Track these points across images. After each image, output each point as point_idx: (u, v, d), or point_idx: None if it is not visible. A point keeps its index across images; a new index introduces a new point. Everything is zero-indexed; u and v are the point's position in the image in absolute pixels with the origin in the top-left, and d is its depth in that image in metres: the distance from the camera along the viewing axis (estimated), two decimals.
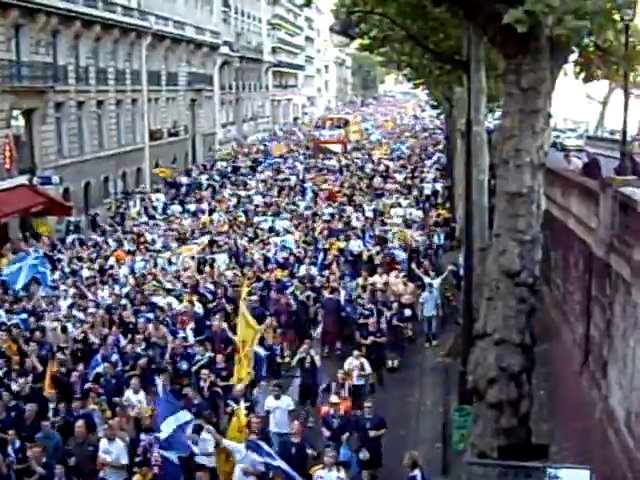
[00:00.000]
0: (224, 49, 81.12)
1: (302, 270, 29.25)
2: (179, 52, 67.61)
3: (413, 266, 29.00)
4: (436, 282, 26.92)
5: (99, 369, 20.13)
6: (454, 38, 22.87)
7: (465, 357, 15.96)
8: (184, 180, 56.77)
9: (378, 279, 27.52)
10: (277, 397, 18.59)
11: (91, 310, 24.44)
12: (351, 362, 20.62)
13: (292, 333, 25.13)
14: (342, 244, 33.03)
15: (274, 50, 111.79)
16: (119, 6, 54.17)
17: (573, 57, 20.67)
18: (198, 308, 24.98)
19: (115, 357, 20.78)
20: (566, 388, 18.61)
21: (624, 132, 28.55)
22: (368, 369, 20.75)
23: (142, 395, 18.68)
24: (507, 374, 12.50)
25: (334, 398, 18.24)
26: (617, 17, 19.18)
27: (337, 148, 73.71)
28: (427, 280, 26.94)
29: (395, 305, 25.14)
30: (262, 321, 22.83)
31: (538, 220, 12.27)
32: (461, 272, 24.15)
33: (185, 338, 22.43)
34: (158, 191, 52.35)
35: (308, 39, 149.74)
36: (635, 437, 12.44)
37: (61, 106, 46.50)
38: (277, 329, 24.19)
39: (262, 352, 21.44)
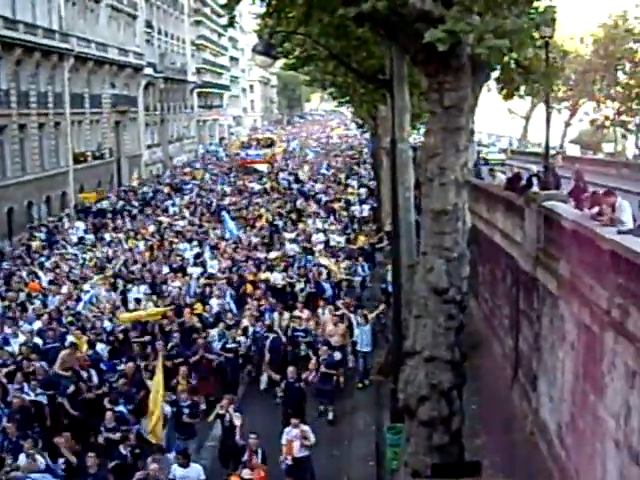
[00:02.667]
0: (148, 70, 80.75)
1: (214, 304, 27.26)
2: (102, 74, 67.10)
3: (339, 303, 26.68)
4: (371, 317, 25.09)
5: None
6: (377, 57, 22.94)
7: (396, 375, 15.95)
8: (105, 206, 53.77)
9: (300, 314, 25.26)
10: (183, 465, 16.15)
11: None
12: (290, 431, 17.55)
13: (212, 383, 22.67)
14: (263, 275, 30.91)
15: (199, 71, 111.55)
16: (40, 28, 53.60)
17: (495, 74, 20.99)
18: (102, 349, 23.10)
19: None
20: (497, 402, 18.72)
21: (547, 146, 29.01)
22: (312, 438, 17.59)
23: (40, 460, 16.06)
24: (438, 391, 12.51)
25: (246, 473, 15.84)
26: (536, 35, 19.52)
27: (263, 168, 73.59)
28: (356, 321, 24.68)
29: (324, 348, 22.71)
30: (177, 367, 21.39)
31: (464, 237, 12.34)
32: (390, 289, 24.01)
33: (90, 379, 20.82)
34: (79, 219, 49.34)
35: (233, 59, 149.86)
36: (566, 448, 12.55)
37: None
38: (190, 379, 21.62)
39: (167, 408, 18.93)
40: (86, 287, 29.61)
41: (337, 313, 25.38)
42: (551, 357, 14.28)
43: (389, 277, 24.53)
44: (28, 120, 52.35)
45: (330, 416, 21.99)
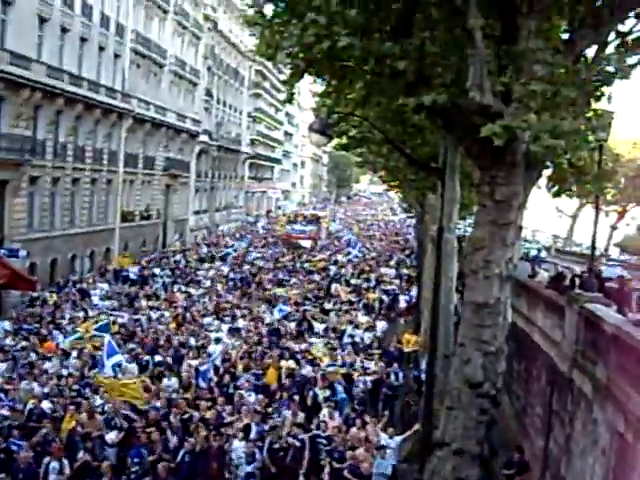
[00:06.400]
0: (203, 137, 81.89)
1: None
2: (158, 136, 68.13)
3: (369, 422, 21.62)
4: (394, 442, 20.54)
5: None
6: (431, 145, 23.15)
7: (422, 465, 15.76)
8: (133, 272, 51.53)
9: (328, 420, 21.61)
10: None
11: None
12: None
13: None
14: (285, 363, 27.34)
15: (252, 142, 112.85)
16: (103, 87, 54.79)
17: (547, 172, 21.03)
18: (112, 439, 20.00)
19: None
20: None
21: (592, 248, 28.72)
22: None
23: None
24: None
25: None
26: (591, 137, 19.59)
27: (307, 244, 73.76)
28: (382, 440, 20.31)
29: (350, 453, 19.32)
30: None
31: (503, 332, 12.27)
32: (422, 377, 23.70)
33: None
34: (104, 280, 48.00)
35: (287, 134, 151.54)
36: None
37: (36, 180, 46.53)
38: None
39: None
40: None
41: (366, 433, 20.87)
42: (581, 461, 14.07)
43: (423, 365, 24.29)
44: (82, 175, 53.15)
45: None
